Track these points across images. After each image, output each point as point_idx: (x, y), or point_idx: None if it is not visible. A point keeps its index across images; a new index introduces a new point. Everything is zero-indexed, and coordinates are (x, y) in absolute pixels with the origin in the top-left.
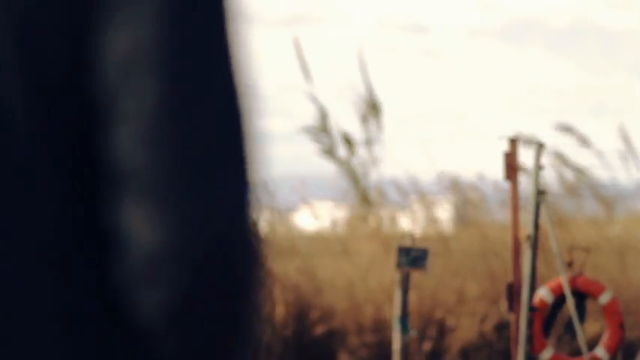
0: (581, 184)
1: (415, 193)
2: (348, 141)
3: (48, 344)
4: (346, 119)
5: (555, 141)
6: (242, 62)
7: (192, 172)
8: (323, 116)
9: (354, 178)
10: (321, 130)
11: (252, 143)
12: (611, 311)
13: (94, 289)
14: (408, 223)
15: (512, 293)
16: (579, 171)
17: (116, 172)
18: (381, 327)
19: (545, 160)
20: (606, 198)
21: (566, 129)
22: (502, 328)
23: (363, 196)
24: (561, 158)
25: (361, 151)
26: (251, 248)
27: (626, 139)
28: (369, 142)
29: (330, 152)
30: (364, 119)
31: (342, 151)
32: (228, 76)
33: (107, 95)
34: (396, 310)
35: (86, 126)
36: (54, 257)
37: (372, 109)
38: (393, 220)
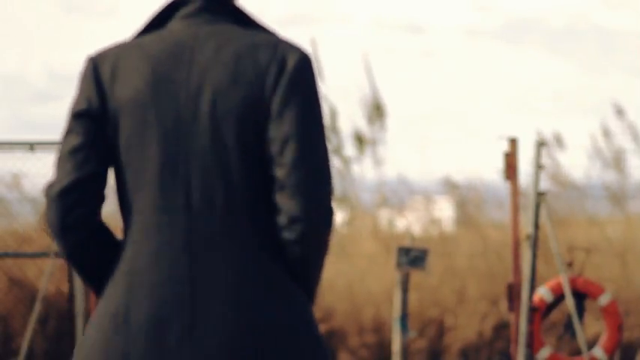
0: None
1: (415, 193)
2: (360, 139)
3: (253, 249)
4: (351, 120)
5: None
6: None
7: (315, 180)
8: (332, 115)
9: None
10: (331, 130)
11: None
12: (610, 312)
13: (271, 226)
14: (408, 223)
15: (512, 293)
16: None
17: (280, 178)
18: (380, 327)
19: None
20: (616, 195)
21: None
22: (502, 328)
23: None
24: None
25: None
26: (333, 216)
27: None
28: (374, 143)
29: (337, 151)
30: (370, 120)
31: (349, 150)
32: (325, 138)
33: (276, 149)
34: (395, 311)
35: (267, 161)
36: (258, 209)
37: (376, 110)
38: (393, 220)
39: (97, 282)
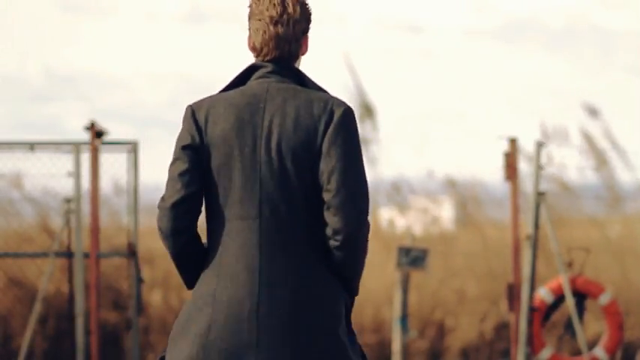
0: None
1: (415, 193)
2: None
3: (306, 250)
4: None
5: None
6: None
7: (353, 202)
8: None
9: None
10: None
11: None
12: (610, 312)
13: (321, 233)
14: (408, 223)
15: (512, 293)
16: (602, 159)
17: (327, 200)
18: (380, 327)
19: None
20: (614, 196)
21: (593, 112)
22: (502, 328)
23: None
24: (590, 141)
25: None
26: (367, 228)
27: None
28: (366, 143)
29: None
30: (360, 121)
31: None
32: (363, 170)
33: (324, 178)
34: (396, 311)
35: (318, 187)
36: (312, 221)
37: (365, 110)
38: (393, 220)
39: (190, 276)
